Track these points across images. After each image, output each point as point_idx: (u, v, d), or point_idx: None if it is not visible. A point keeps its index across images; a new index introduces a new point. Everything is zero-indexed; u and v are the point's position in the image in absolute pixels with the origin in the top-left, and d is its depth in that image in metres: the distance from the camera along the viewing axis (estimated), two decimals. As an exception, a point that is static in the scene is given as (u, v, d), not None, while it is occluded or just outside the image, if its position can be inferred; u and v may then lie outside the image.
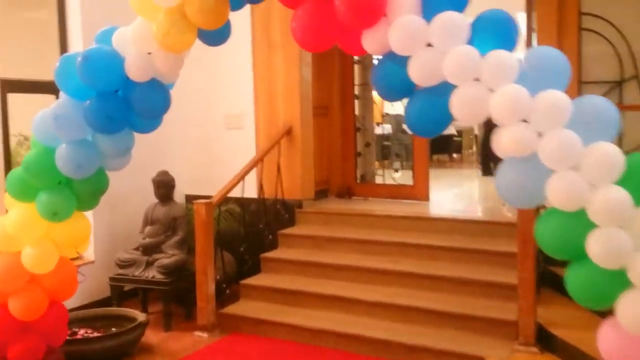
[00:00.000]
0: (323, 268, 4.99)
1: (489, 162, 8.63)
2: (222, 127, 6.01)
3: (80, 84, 2.91)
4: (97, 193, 3.32)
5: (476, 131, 12.12)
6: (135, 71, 2.87)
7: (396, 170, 6.16)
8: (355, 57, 6.34)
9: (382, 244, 5.01)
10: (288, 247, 5.44)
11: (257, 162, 5.34)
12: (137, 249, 5.07)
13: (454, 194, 7.14)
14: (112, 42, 2.93)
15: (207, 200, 4.71)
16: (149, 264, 4.95)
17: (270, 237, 5.49)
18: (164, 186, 5.21)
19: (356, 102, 6.39)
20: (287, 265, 5.18)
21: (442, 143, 10.40)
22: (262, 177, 5.46)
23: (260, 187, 5.44)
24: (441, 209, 5.91)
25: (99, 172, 3.22)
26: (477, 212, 5.72)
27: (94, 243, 5.14)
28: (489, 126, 8.56)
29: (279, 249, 5.44)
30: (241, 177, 5.08)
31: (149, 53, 2.88)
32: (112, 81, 2.89)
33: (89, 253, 5.22)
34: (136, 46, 2.86)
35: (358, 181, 6.48)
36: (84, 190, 3.24)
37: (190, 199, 6.04)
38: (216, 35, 2.85)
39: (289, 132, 5.65)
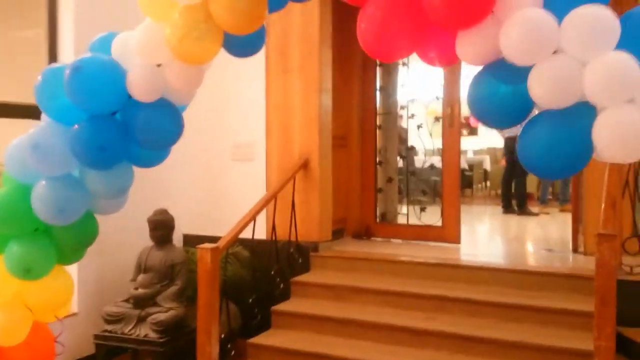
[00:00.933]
0: (344, 325, 4.27)
1: (510, 198, 8.02)
2: (228, 158, 5.33)
3: (67, 103, 2.22)
4: (83, 244, 2.60)
5: (485, 165, 11.55)
6: (140, 88, 2.18)
7: (423, 209, 5.47)
8: (378, 84, 5.73)
9: (413, 297, 4.31)
10: (302, 297, 4.72)
11: (271, 198, 4.64)
12: (127, 300, 4.32)
13: (484, 235, 6.48)
14: (111, 51, 2.26)
15: (213, 245, 3.97)
16: (141, 320, 4.19)
17: (282, 285, 4.77)
18: (162, 227, 4.48)
19: (378, 132, 5.75)
20: (301, 321, 4.45)
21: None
22: (275, 216, 4.75)
23: (273, 228, 4.73)
24: (476, 254, 5.24)
25: (86, 217, 2.51)
26: (520, 259, 5.06)
27: (77, 293, 4.37)
28: (512, 159, 8.04)
29: (292, 299, 4.72)
30: (252, 217, 4.37)
31: (159, 65, 2.20)
32: (109, 101, 2.20)
33: (72, 305, 4.45)
34: (142, 56, 2.19)
35: (378, 220, 5.79)
36: (66, 240, 2.53)
37: (189, 240, 5.32)
38: (247, 43, 2.19)
39: (305, 166, 4.98)
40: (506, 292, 4.15)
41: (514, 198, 7.91)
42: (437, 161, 5.54)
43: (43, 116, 2.37)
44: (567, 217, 7.85)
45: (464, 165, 10.14)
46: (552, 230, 6.94)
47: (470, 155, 11.92)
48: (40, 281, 2.52)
